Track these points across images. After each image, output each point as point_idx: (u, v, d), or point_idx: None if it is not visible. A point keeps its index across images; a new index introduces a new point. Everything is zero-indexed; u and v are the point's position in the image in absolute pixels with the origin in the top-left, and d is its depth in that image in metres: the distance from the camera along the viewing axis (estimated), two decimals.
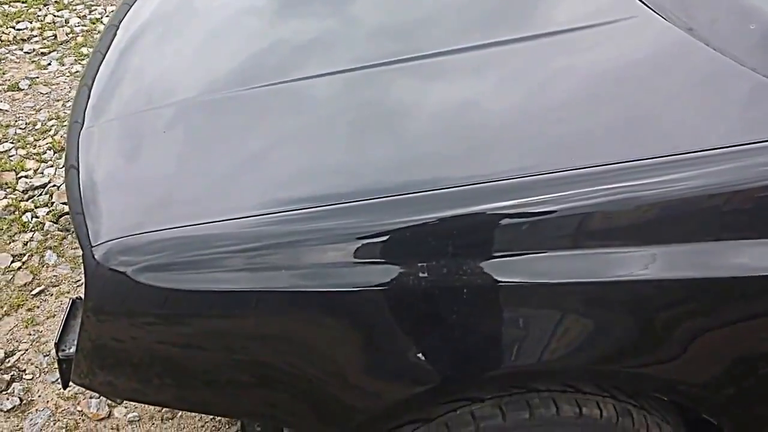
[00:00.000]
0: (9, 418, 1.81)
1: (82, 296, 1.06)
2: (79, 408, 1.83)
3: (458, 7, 1.41)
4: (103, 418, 1.80)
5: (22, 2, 3.72)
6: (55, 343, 1.17)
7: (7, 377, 1.91)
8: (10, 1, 3.72)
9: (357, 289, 0.97)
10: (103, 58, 1.47)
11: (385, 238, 0.97)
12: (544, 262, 0.95)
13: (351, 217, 0.98)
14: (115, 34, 1.55)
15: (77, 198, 1.13)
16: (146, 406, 1.76)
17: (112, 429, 1.79)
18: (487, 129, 1.08)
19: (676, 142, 0.97)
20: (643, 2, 1.24)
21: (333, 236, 0.97)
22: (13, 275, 2.22)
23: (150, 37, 1.52)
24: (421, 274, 0.95)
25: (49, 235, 2.36)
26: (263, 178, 1.08)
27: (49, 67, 3.22)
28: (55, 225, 2.39)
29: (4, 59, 3.27)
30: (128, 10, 1.64)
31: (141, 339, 1.07)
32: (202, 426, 1.79)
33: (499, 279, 0.95)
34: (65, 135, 1.37)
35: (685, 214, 0.95)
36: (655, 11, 1.21)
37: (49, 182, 2.58)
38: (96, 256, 1.01)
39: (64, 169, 1.26)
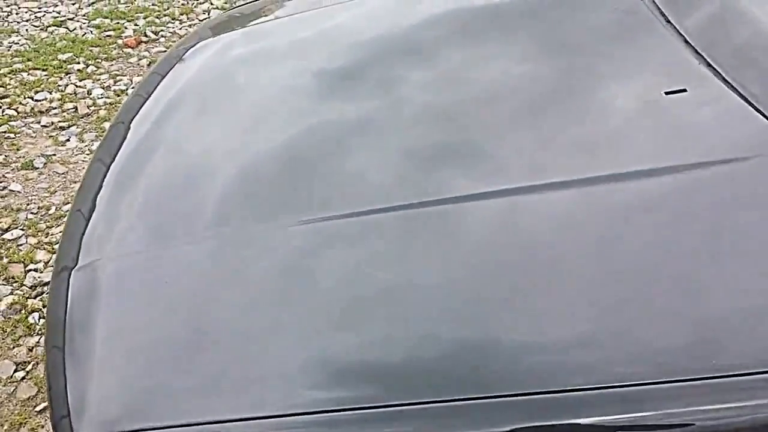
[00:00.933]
0: None
1: None
2: None
3: (538, 132, 1.13)
4: None
5: (42, 70, 3.55)
6: None
7: None
8: (29, 69, 3.56)
9: None
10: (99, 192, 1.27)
11: None
12: None
13: (386, 427, 0.79)
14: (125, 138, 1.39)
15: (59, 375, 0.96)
16: None
17: None
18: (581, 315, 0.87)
19: None
20: None
21: None
22: (16, 387, 1.98)
23: (156, 166, 1.33)
24: None
25: None
26: (282, 367, 0.88)
27: (67, 143, 3.00)
28: None
29: (19, 133, 3.08)
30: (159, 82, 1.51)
31: None
32: None
33: None
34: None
35: None
36: None
37: None
38: None
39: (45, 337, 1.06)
